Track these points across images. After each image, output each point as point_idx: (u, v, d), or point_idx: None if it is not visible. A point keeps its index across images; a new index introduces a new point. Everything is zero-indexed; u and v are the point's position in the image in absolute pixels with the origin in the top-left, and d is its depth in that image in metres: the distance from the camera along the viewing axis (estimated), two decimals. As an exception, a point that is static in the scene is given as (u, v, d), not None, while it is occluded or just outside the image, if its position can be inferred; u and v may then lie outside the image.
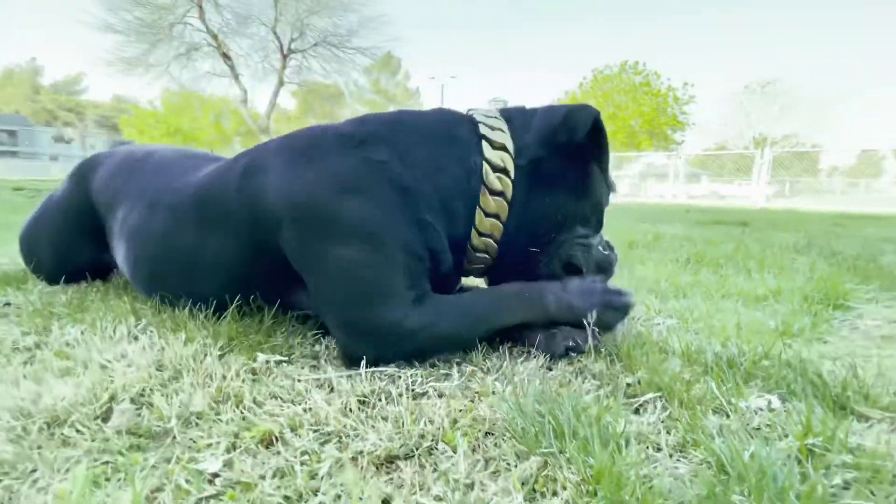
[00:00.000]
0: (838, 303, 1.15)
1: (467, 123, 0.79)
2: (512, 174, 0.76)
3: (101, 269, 1.10)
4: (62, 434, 0.50)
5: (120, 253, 0.95)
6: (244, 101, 22.58)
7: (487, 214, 0.76)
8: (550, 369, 0.71)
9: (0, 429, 0.50)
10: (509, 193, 0.76)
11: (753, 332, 0.88)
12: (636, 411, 0.59)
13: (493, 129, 0.77)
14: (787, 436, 0.53)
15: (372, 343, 0.67)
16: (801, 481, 0.43)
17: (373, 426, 0.52)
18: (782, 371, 0.69)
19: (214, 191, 0.82)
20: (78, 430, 0.50)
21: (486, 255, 0.79)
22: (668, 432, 0.53)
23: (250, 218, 0.76)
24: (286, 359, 0.72)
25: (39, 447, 0.48)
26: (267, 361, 0.70)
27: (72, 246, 1.05)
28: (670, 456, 0.49)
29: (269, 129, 22.60)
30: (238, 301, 0.81)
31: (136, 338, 0.77)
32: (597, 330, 0.73)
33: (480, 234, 0.77)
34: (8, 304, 0.95)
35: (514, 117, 0.81)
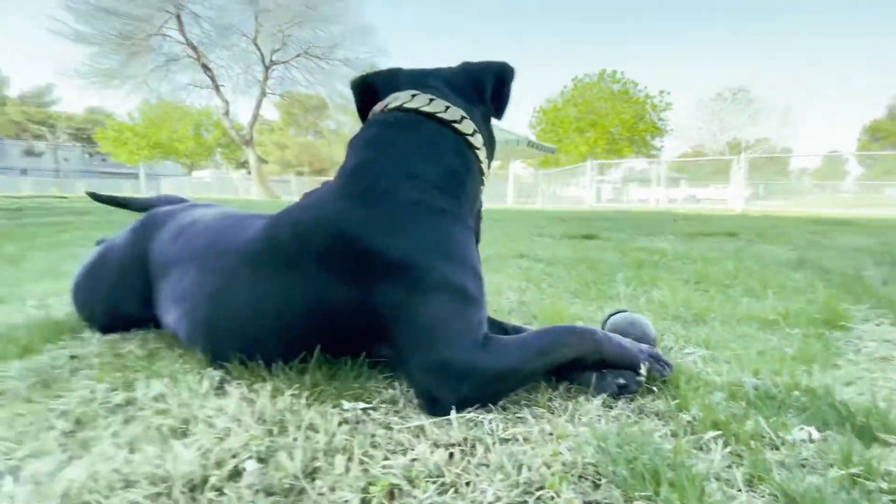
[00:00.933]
0: (839, 324, 1.26)
1: (426, 121, 0.87)
2: (478, 130, 0.91)
3: (144, 323, 1.13)
4: (207, 498, 0.55)
5: (172, 315, 0.98)
6: (226, 113, 22.29)
7: (484, 160, 0.93)
8: (611, 408, 0.78)
9: (144, 497, 0.55)
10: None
11: (776, 360, 0.98)
12: (700, 448, 0.66)
13: (448, 114, 0.88)
14: (831, 465, 0.62)
15: (455, 386, 0.73)
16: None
17: (478, 475, 0.59)
18: (813, 401, 0.78)
19: (277, 245, 0.86)
20: (218, 491, 0.56)
21: None
22: (735, 468, 0.61)
23: (325, 271, 0.81)
24: (371, 405, 0.78)
25: (192, 511, 0.53)
26: (355, 410, 0.76)
27: (125, 302, 1.08)
28: (743, 492, 0.57)
29: (253, 140, 22.34)
30: (302, 354, 0.86)
31: (223, 391, 0.81)
32: (643, 374, 0.81)
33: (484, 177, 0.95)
34: (74, 356, 0.98)
35: (433, 86, 0.92)
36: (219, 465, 0.60)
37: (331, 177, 0.93)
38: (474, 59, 0.98)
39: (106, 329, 1.12)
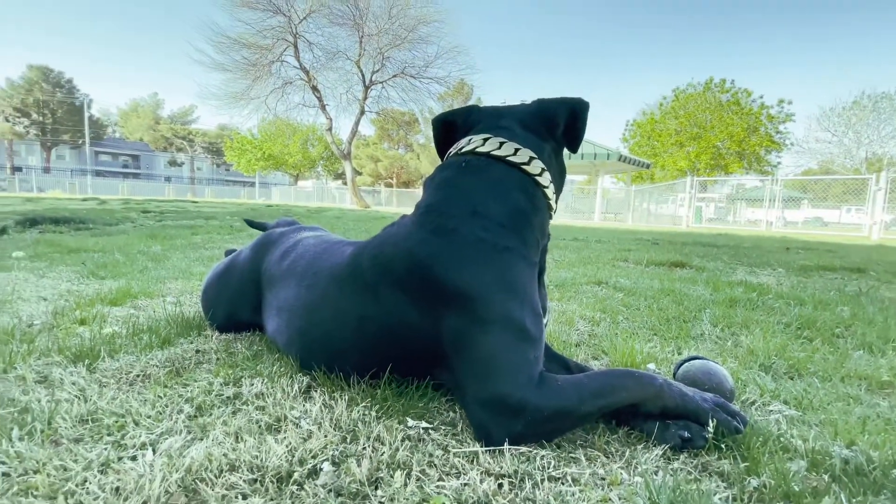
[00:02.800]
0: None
1: (496, 163, 0.94)
2: (546, 169, 0.96)
3: (254, 327, 1.32)
4: (290, 490, 0.65)
5: (273, 323, 1.15)
6: (329, 129, 24.37)
7: (552, 196, 0.98)
8: (671, 461, 0.76)
9: (245, 480, 0.67)
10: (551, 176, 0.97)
11: (880, 430, 0.87)
12: (765, 518, 0.63)
13: (518, 157, 0.94)
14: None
15: (507, 422, 0.77)
16: None
17: (524, 508, 0.62)
18: (919, 485, 0.69)
19: (360, 270, 0.97)
20: (299, 486, 0.66)
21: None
22: (801, 547, 0.57)
23: (399, 297, 0.90)
24: (432, 426, 0.85)
25: (276, 500, 0.63)
26: (417, 428, 0.83)
27: (241, 308, 1.28)
28: (807, 574, 0.53)
29: (350, 154, 24.10)
30: (374, 370, 0.96)
31: (310, 396, 0.94)
32: (710, 429, 0.78)
33: (552, 212, 1.00)
34: (199, 351, 1.18)
35: (506, 126, 0.99)
36: (301, 462, 0.71)
37: (417, 189, 1.03)
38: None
39: (223, 329, 1.34)
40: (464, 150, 0.97)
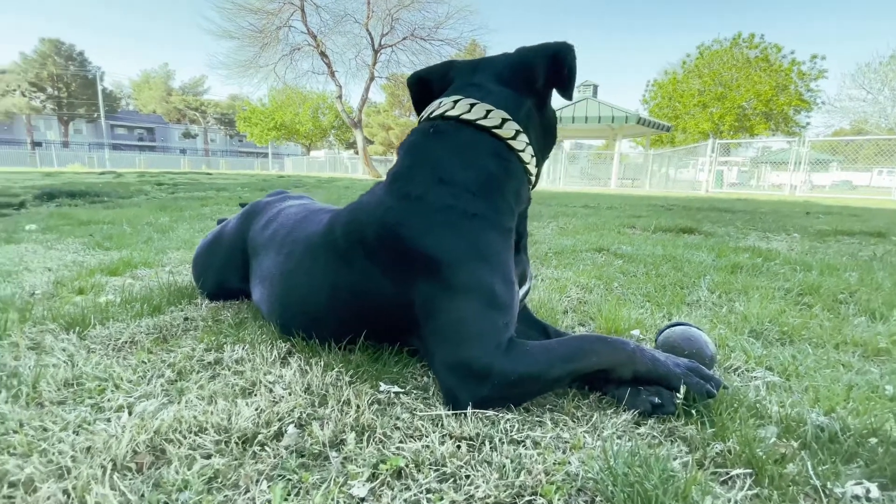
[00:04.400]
0: None
1: (464, 128, 0.90)
2: (522, 131, 0.91)
3: (242, 294, 1.33)
4: (253, 451, 0.67)
5: (257, 292, 1.16)
6: (339, 97, 24.01)
7: (530, 162, 0.93)
8: (639, 425, 0.76)
9: (210, 441, 0.69)
10: (529, 138, 0.93)
11: (866, 399, 0.84)
12: (724, 482, 0.62)
13: (488, 119, 0.89)
14: (887, 530, 0.54)
15: (473, 387, 0.77)
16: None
17: (480, 472, 0.63)
18: (890, 453, 0.67)
19: (333, 238, 0.96)
20: (263, 448, 0.68)
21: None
22: (755, 511, 0.56)
23: (370, 264, 0.89)
24: (403, 390, 0.86)
25: (242, 460, 0.65)
26: (388, 392, 0.84)
27: (229, 276, 1.29)
28: (756, 537, 0.53)
29: (361, 122, 23.81)
30: (350, 336, 0.96)
31: (287, 362, 0.95)
32: (680, 395, 0.76)
33: (531, 176, 0.95)
34: (187, 318, 1.21)
35: (480, 83, 0.94)
36: (268, 424, 0.73)
37: None
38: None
39: (213, 297, 1.36)
40: (434, 113, 0.93)
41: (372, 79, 23.46)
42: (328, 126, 34.85)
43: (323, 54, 22.86)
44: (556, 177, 19.45)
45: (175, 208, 4.45)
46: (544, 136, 1.00)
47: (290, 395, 0.81)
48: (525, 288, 1.03)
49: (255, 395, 0.82)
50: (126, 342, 1.05)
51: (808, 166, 13.57)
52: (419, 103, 1.06)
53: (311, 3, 21.70)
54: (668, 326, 1.00)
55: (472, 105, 0.90)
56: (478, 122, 0.89)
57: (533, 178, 0.97)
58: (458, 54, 30.06)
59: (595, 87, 20.43)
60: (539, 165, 1.00)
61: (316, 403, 0.79)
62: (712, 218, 4.30)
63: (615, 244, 2.48)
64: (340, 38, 23.08)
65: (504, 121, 0.89)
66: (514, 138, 0.89)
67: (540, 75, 0.93)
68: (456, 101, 0.92)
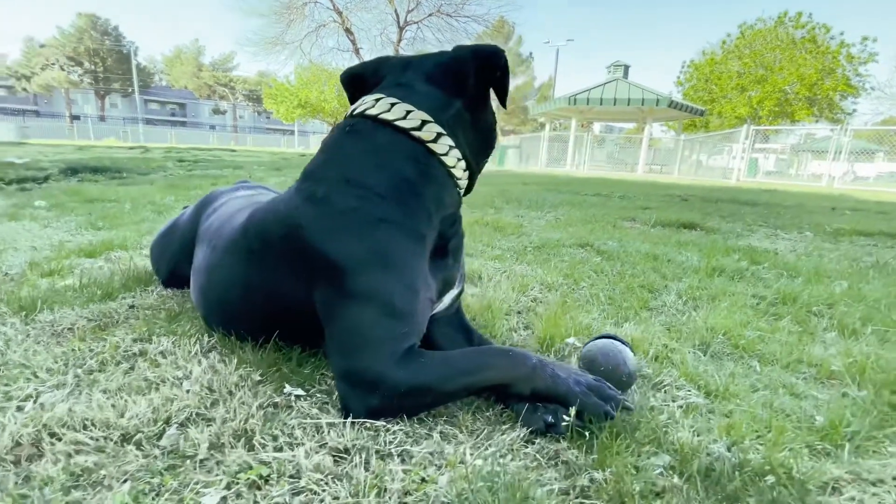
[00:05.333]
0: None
1: (382, 128, 0.86)
2: (445, 132, 0.87)
3: None
4: (128, 449, 0.68)
5: (191, 283, 1.17)
6: (363, 75, 23.78)
7: (455, 166, 0.89)
8: (529, 444, 0.73)
9: (91, 438, 0.70)
10: (457, 140, 0.89)
11: (791, 428, 0.79)
12: (588, 514, 0.60)
13: (407, 121, 0.85)
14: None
15: (364, 396, 0.76)
16: None
17: (334, 488, 0.62)
18: (783, 495, 0.63)
19: (246, 236, 0.95)
20: (139, 447, 0.69)
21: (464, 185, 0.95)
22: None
23: (278, 265, 0.88)
24: (306, 393, 0.86)
25: (114, 459, 0.66)
26: (290, 395, 0.84)
27: (181, 264, 1.30)
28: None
29: (384, 101, 23.62)
30: (264, 335, 0.96)
31: (204, 357, 0.97)
32: (569, 416, 0.73)
33: (458, 181, 0.91)
34: (132, 306, 1.23)
35: (407, 83, 0.90)
36: (155, 422, 0.74)
37: None
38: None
39: (167, 284, 1.39)
40: (355, 111, 0.90)
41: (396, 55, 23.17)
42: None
43: (348, 31, 22.70)
44: (580, 161, 18.96)
45: (185, 187, 4.55)
46: (479, 140, 0.95)
47: (188, 393, 0.82)
48: (453, 293, 1.01)
49: (159, 390, 0.83)
50: (66, 329, 1.09)
51: (850, 156, 12.76)
52: (353, 101, 1.02)
53: (337, -23, 21.47)
54: (595, 338, 0.96)
55: (393, 105, 0.86)
56: (395, 122, 0.85)
57: (462, 182, 0.93)
58: (486, 31, 29.27)
59: (626, 67, 19.61)
60: (473, 169, 0.96)
61: (209, 404, 0.80)
62: (725, 211, 4.11)
63: (603, 239, 2.40)
64: (366, 15, 22.94)
65: (424, 123, 0.85)
66: (434, 141, 0.85)
67: (470, 77, 0.88)
68: (377, 100, 0.88)
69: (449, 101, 0.89)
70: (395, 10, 22.12)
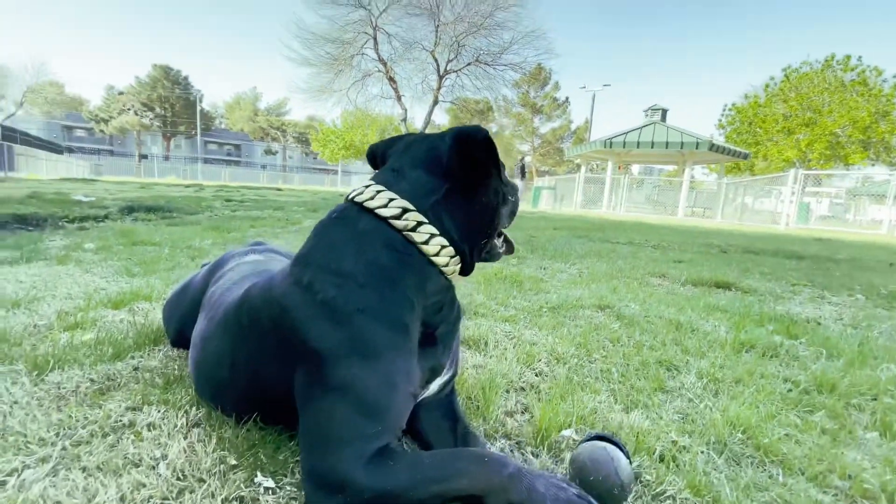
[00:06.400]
0: None
1: (366, 215, 0.87)
2: (426, 220, 0.86)
3: None
4: (83, 547, 0.67)
5: (190, 351, 1.18)
6: (404, 120, 24.96)
7: (438, 253, 0.86)
8: (497, 570, 0.67)
9: (58, 527, 0.70)
10: (443, 225, 0.87)
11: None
12: None
13: (388, 209, 0.85)
14: None
15: (326, 497, 0.72)
16: None
17: None
18: None
19: (237, 314, 0.96)
20: (95, 544, 0.68)
21: (454, 269, 0.91)
22: None
23: (263, 347, 0.88)
24: (276, 485, 0.83)
25: (67, 556, 0.66)
26: (259, 485, 0.82)
27: (187, 326, 1.34)
28: None
29: (422, 144, 24.55)
30: (249, 413, 0.96)
31: (187, 434, 0.97)
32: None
33: (443, 267, 0.88)
34: (136, 368, 1.27)
35: (399, 168, 0.91)
36: (117, 515, 0.73)
37: None
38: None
39: (175, 344, 1.43)
40: (348, 196, 0.92)
41: (436, 102, 24.20)
42: (393, 146, 36.36)
43: (391, 79, 24.03)
44: (616, 202, 18.68)
45: (225, 229, 4.79)
46: (475, 221, 0.92)
47: (159, 478, 0.82)
48: (442, 379, 0.97)
49: (133, 473, 0.83)
50: (70, 392, 1.13)
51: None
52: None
53: (384, 31, 23.01)
54: (588, 438, 0.89)
55: (378, 192, 0.87)
56: (377, 210, 0.86)
57: (449, 268, 0.90)
58: (523, 78, 30.19)
59: (664, 111, 19.55)
60: (465, 252, 0.93)
61: (175, 493, 0.79)
62: (767, 266, 3.86)
63: (626, 301, 2.29)
64: (408, 65, 24.20)
65: (405, 211, 0.85)
66: (414, 230, 0.85)
67: (453, 160, 0.88)
68: (367, 186, 0.90)
69: (436, 185, 0.88)
70: (436, 60, 23.30)
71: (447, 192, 0.89)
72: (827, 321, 2.14)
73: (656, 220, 13.01)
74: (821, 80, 18.38)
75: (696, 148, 16.69)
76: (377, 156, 1.03)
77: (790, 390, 1.32)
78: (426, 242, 0.85)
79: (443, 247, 0.87)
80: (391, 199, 0.86)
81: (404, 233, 0.84)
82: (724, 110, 22.77)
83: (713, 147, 16.62)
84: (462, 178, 0.89)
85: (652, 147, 17.30)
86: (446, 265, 0.89)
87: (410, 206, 0.85)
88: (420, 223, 0.85)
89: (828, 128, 17.88)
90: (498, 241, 1.06)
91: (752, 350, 1.64)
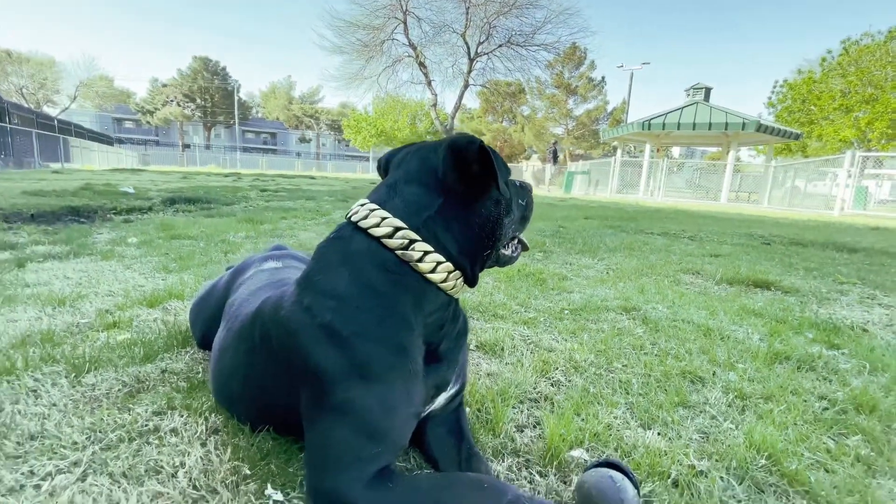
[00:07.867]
0: None
1: (359, 235, 0.86)
2: (419, 237, 0.84)
3: None
4: (104, 556, 0.72)
5: (210, 359, 1.23)
6: (434, 105, 24.78)
7: (434, 270, 0.84)
8: None
9: (83, 534, 0.75)
10: (440, 241, 0.85)
11: None
12: None
13: (380, 228, 0.84)
14: None
15: None
16: None
17: None
18: None
19: (250, 328, 0.99)
20: (115, 553, 0.72)
21: (455, 284, 0.88)
22: None
23: (272, 364, 0.90)
24: (285, 498, 0.86)
25: (89, 564, 0.70)
26: (269, 498, 0.85)
27: (212, 329, 1.39)
28: None
29: (453, 129, 24.41)
30: (262, 425, 0.99)
31: (206, 441, 1.01)
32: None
33: (441, 284, 0.86)
34: (164, 370, 1.34)
35: (394, 183, 0.90)
36: (136, 524, 0.77)
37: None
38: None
39: (201, 346, 1.49)
40: (348, 215, 0.92)
41: (466, 86, 23.87)
42: (424, 132, 36.23)
43: (421, 64, 23.84)
44: (654, 187, 17.95)
45: (258, 221, 4.94)
46: (476, 234, 0.90)
47: (175, 489, 0.86)
48: (448, 394, 0.97)
49: (154, 479, 0.88)
50: (103, 394, 1.20)
51: None
52: None
53: (413, 15, 22.78)
54: (594, 465, 0.86)
55: (371, 211, 0.87)
56: (370, 230, 0.85)
57: (448, 284, 0.88)
58: (556, 58, 29.20)
59: (707, 89, 18.52)
60: (465, 267, 0.90)
61: (190, 505, 0.83)
62: (814, 261, 3.62)
63: (653, 302, 2.21)
64: (438, 49, 23.94)
65: (397, 230, 0.84)
66: (406, 248, 0.83)
67: (448, 173, 0.85)
68: (362, 205, 0.89)
69: (429, 200, 0.86)
70: (467, 43, 22.88)
71: (441, 206, 0.86)
72: (875, 327, 1.99)
73: (696, 207, 12.43)
74: (883, 54, 16.78)
75: (743, 129, 15.74)
76: (381, 165, 1.02)
77: (825, 409, 1.24)
78: (420, 260, 0.84)
79: (439, 263, 0.85)
80: (384, 218, 0.85)
81: (398, 252, 0.83)
82: (774, 87, 21.30)
83: (761, 127, 15.62)
84: (457, 192, 0.86)
85: (694, 129, 16.44)
86: (444, 281, 0.87)
87: (402, 225, 0.84)
88: (413, 241, 0.84)
89: (890, 105, 16.38)
90: (509, 247, 1.01)
91: (786, 361, 1.55)
